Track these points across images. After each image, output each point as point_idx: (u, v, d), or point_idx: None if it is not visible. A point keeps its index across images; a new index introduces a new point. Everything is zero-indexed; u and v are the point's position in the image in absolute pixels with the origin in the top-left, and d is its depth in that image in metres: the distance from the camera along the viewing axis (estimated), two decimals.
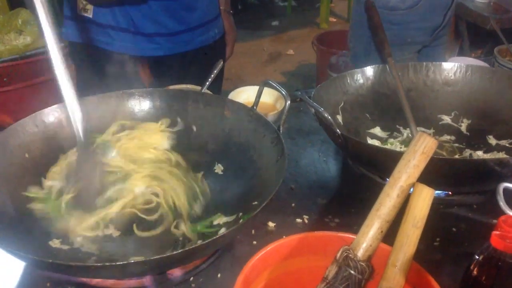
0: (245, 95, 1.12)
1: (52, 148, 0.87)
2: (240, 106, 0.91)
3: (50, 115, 0.88)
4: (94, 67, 1.33)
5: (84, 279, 0.71)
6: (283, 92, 0.84)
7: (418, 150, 0.56)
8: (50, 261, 0.59)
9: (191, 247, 0.62)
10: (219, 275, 0.76)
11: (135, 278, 0.71)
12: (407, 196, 0.57)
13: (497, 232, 0.53)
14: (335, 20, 4.78)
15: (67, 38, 1.36)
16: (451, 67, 1.12)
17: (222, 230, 0.75)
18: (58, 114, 0.89)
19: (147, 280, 0.71)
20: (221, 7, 1.41)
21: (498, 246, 0.52)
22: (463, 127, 1.08)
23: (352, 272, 0.56)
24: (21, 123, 0.84)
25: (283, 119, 0.83)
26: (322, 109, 0.85)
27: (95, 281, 0.70)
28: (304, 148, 1.07)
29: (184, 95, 0.95)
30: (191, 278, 0.74)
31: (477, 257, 0.58)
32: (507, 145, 1.00)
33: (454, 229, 0.86)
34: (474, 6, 2.16)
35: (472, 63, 1.19)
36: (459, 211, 0.90)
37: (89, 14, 1.27)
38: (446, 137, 1.07)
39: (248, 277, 0.55)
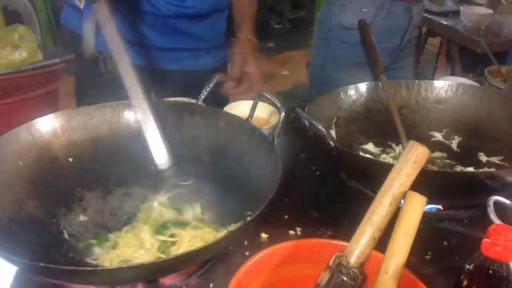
0: (239, 109, 1.13)
1: (46, 157, 0.87)
2: (235, 118, 0.92)
3: (46, 124, 0.88)
4: (81, 59, 1.32)
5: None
6: (278, 104, 0.85)
7: (410, 159, 0.57)
8: (42, 264, 0.59)
9: (184, 253, 0.62)
10: (211, 285, 0.76)
11: (127, 286, 0.71)
12: (399, 204, 0.58)
13: (488, 240, 0.54)
14: None
15: (64, 24, 1.35)
16: (443, 85, 1.14)
17: None
18: (53, 124, 0.89)
19: (140, 286, 0.71)
20: (237, 34, 1.32)
21: (488, 254, 0.53)
22: (454, 144, 1.10)
23: (345, 278, 0.56)
24: (16, 131, 0.84)
25: (277, 131, 0.84)
26: (316, 122, 0.86)
27: None
28: (298, 162, 1.08)
29: (179, 107, 0.96)
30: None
31: (467, 266, 0.59)
32: (497, 161, 1.01)
33: (445, 243, 0.86)
34: (465, 30, 2.21)
35: (463, 82, 1.21)
36: (450, 225, 0.91)
37: (81, 5, 1.27)
38: (437, 154, 1.08)
39: (241, 283, 0.55)
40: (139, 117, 0.86)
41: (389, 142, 1.11)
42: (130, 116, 0.95)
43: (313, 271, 0.60)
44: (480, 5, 2.30)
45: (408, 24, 1.53)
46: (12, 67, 1.97)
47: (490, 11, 2.22)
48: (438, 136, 1.11)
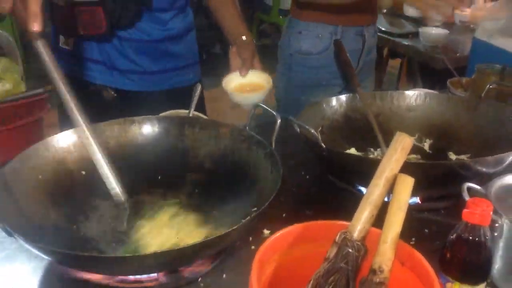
0: (237, 79, 1.38)
1: (62, 170, 0.94)
2: (233, 128, 1.02)
3: (60, 141, 0.95)
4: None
5: (105, 281, 0.78)
6: (274, 113, 0.95)
7: (398, 147, 0.68)
8: (74, 253, 0.67)
9: (207, 239, 0.70)
10: (224, 276, 0.84)
11: (151, 275, 0.78)
12: (392, 185, 0.68)
13: (468, 210, 0.65)
14: None
15: None
16: (412, 95, 1.27)
17: None
18: (67, 140, 0.96)
19: (161, 277, 0.78)
20: (242, 38, 1.46)
21: (469, 220, 0.64)
22: (426, 146, 1.23)
23: (350, 250, 0.66)
24: (34, 147, 0.91)
25: (274, 136, 0.94)
26: (308, 126, 0.96)
27: (116, 279, 0.77)
28: (290, 167, 1.18)
29: (181, 121, 1.05)
30: (199, 279, 0.82)
31: (451, 237, 0.70)
32: (465, 159, 1.14)
33: (426, 230, 0.97)
34: (425, 49, 2.40)
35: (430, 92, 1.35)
36: (429, 215, 1.02)
37: (70, 47, 1.37)
38: (412, 156, 1.20)
39: (262, 259, 0.64)
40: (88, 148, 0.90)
41: (369, 148, 1.22)
42: (135, 130, 1.04)
43: (322, 249, 0.69)
44: (437, 26, 2.50)
45: (362, 47, 1.66)
46: None
47: (446, 31, 2.42)
48: None
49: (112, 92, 1.39)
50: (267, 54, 5.09)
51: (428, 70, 2.45)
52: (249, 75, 1.40)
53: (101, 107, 1.37)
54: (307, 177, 1.15)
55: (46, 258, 0.82)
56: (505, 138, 1.10)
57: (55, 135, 0.95)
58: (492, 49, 1.79)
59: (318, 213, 1.03)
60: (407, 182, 0.67)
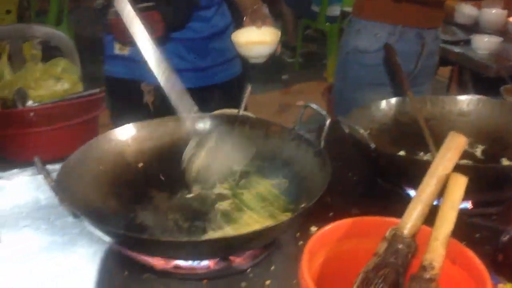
0: (247, 34, 1.37)
1: (121, 162, 0.99)
2: (282, 128, 1.04)
3: (119, 135, 1.01)
4: (130, 99, 1.48)
5: (161, 266, 0.81)
6: (323, 113, 0.97)
7: (451, 146, 0.69)
8: (136, 235, 0.71)
9: (256, 230, 0.73)
10: (272, 267, 0.86)
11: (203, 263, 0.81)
12: (444, 184, 0.68)
13: None
14: None
15: (109, 74, 1.52)
16: (464, 100, 1.26)
17: None
18: (125, 135, 1.01)
19: (213, 265, 0.81)
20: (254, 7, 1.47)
21: None
22: (478, 152, 1.21)
23: (400, 246, 0.66)
24: (96, 140, 0.97)
25: (323, 136, 0.96)
26: (357, 127, 0.98)
27: (171, 264, 0.81)
28: (337, 168, 1.18)
29: (232, 119, 1.08)
30: (249, 269, 0.85)
31: (503, 239, 0.70)
32: None
33: (477, 235, 0.96)
34: (477, 57, 2.34)
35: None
36: (480, 220, 1.00)
37: (126, 53, 1.44)
38: (464, 161, 1.18)
39: (312, 250, 0.66)
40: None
41: (418, 152, 1.22)
42: (189, 127, 1.08)
43: (370, 245, 0.71)
44: (489, 34, 2.44)
45: (421, 50, 1.65)
46: (56, 96, 2.13)
47: (500, 38, 2.36)
48: None
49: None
50: (312, 61, 5.10)
51: (479, 78, 2.39)
52: (259, 32, 1.37)
53: (155, 106, 1.44)
54: (354, 178, 1.16)
55: (106, 242, 0.88)
56: None
57: (115, 129, 1.00)
58: None
59: (365, 213, 1.04)
60: (460, 182, 0.67)
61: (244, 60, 1.52)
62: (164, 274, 0.83)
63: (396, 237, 0.67)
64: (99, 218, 0.83)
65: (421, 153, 1.21)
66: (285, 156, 1.01)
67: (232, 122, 1.08)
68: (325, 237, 0.69)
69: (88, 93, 2.16)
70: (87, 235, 0.91)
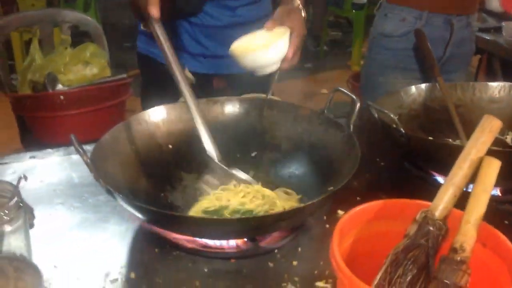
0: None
1: (152, 143, 1.01)
2: (311, 111, 1.04)
3: (150, 116, 1.02)
4: (157, 77, 1.48)
5: (190, 245, 0.83)
6: (354, 97, 0.97)
7: (486, 129, 0.68)
8: (168, 212, 0.73)
9: (285, 211, 0.74)
10: (299, 249, 0.87)
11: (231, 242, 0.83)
12: (476, 168, 0.68)
13: None
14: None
15: (139, 50, 1.52)
16: (496, 86, 1.24)
17: None
18: (156, 116, 1.03)
19: (241, 245, 0.83)
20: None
21: None
22: (509, 139, 1.19)
23: (431, 228, 0.66)
24: (129, 121, 0.99)
25: (352, 119, 0.96)
26: (387, 111, 0.97)
27: (200, 243, 0.82)
28: (365, 153, 1.17)
29: (261, 103, 1.09)
30: (276, 250, 0.86)
31: None
32: None
33: (506, 222, 0.95)
34: (509, 44, 2.29)
35: None
36: (510, 207, 1.00)
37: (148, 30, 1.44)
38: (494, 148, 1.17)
39: (343, 230, 0.66)
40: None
41: (447, 139, 1.21)
42: (217, 110, 1.09)
43: (400, 228, 0.71)
44: None
45: (449, 37, 1.62)
46: (85, 81, 2.17)
47: None
48: None
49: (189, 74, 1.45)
50: (336, 49, 5.05)
51: (509, 66, 2.34)
52: (266, 35, 1.11)
53: (171, 86, 1.44)
54: (382, 163, 1.16)
55: (137, 220, 0.90)
56: None
57: (146, 111, 1.02)
58: None
59: (392, 198, 1.04)
60: (494, 165, 0.67)
61: None
62: (193, 252, 0.84)
63: (427, 219, 0.67)
64: (132, 195, 0.85)
65: (450, 140, 1.20)
66: (313, 140, 1.01)
67: (260, 106, 1.08)
68: (355, 218, 0.69)
69: (116, 78, 2.20)
70: (119, 213, 0.93)
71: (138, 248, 0.87)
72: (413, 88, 1.22)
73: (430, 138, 1.15)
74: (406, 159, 1.13)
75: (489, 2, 2.72)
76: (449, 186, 0.68)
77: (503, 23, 2.36)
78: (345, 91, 0.99)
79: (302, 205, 0.77)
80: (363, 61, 1.83)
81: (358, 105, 0.95)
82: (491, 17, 2.67)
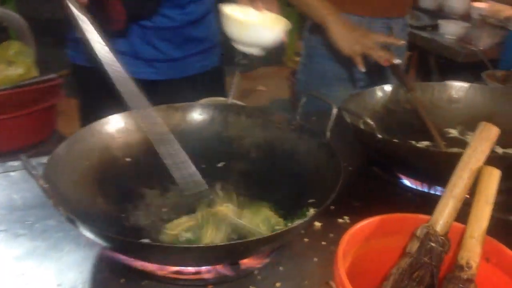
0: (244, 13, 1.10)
1: (107, 157, 0.90)
2: (281, 117, 0.98)
3: (104, 126, 0.91)
4: (97, 89, 1.36)
5: (161, 272, 0.74)
6: (329, 103, 0.91)
7: (484, 137, 0.65)
8: (134, 241, 0.63)
9: (271, 234, 0.69)
10: (280, 268, 0.81)
11: (210, 266, 0.75)
12: (475, 178, 0.65)
13: None
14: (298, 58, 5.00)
15: (72, 60, 1.39)
16: (454, 86, 1.24)
17: None
18: (110, 126, 0.92)
19: (222, 268, 0.75)
20: None
21: None
22: (469, 139, 1.19)
23: (434, 245, 0.62)
24: (80, 132, 0.88)
25: (329, 126, 0.91)
26: (364, 115, 0.93)
27: (172, 270, 0.74)
28: None
29: (225, 108, 1.01)
30: (256, 271, 0.79)
31: None
32: None
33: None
34: (446, 42, 2.37)
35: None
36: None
37: None
38: (456, 149, 1.17)
39: (345, 250, 0.61)
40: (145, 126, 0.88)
41: (409, 140, 1.19)
42: (178, 117, 1.00)
43: (397, 244, 0.66)
44: (455, 19, 2.47)
45: None
46: (9, 82, 1.96)
47: (467, 24, 2.40)
48: (454, 132, 1.21)
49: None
50: None
51: (446, 64, 2.42)
52: (260, 15, 1.11)
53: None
54: (350, 168, 1.12)
55: (96, 246, 0.79)
56: None
57: (99, 120, 0.91)
58: None
59: (366, 205, 1.01)
60: (494, 175, 0.64)
61: (227, 50, 1.37)
62: (165, 280, 0.75)
63: (429, 235, 0.63)
64: (92, 221, 0.75)
65: (413, 142, 1.19)
66: (286, 148, 0.95)
67: (225, 112, 1.00)
68: (354, 237, 0.64)
69: (45, 78, 2.01)
70: (73, 239, 0.82)
71: (99, 279, 0.76)
72: (377, 89, 1.20)
73: (413, 143, 1.13)
74: (374, 163, 1.10)
75: (423, 0, 2.80)
76: (449, 198, 0.64)
77: (439, 21, 2.44)
78: (318, 95, 0.94)
79: (285, 228, 0.71)
80: (299, 66, 1.74)
81: (334, 110, 0.90)
82: (424, 14, 2.75)
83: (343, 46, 1.36)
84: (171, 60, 1.36)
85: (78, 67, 1.38)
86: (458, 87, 1.24)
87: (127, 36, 1.28)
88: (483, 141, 0.65)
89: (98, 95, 1.37)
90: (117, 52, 1.31)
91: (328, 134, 0.90)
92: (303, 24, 1.73)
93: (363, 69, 1.34)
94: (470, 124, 1.20)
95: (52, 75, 2.02)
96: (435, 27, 2.46)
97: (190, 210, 0.89)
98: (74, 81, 1.47)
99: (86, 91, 1.42)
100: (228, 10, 1.07)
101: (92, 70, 1.34)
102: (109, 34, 1.25)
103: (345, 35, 1.35)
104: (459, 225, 0.65)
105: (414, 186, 1.03)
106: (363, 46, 1.32)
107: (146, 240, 0.80)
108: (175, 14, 1.31)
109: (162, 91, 1.36)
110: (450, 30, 2.35)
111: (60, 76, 2.02)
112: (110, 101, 1.33)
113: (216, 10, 1.39)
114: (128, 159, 0.92)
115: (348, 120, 0.99)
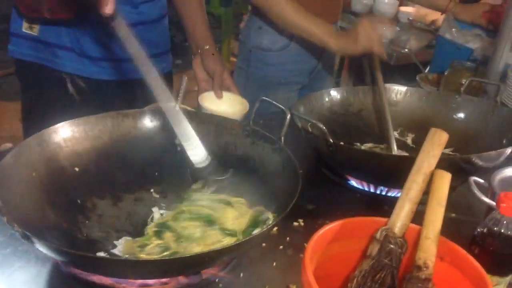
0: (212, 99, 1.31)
1: (55, 167, 0.86)
2: (235, 122, 0.98)
3: (50, 135, 0.87)
4: (41, 86, 1.30)
5: (120, 285, 0.72)
6: (283, 108, 0.93)
7: (435, 142, 0.69)
8: (90, 255, 0.62)
9: (226, 246, 0.69)
10: (241, 275, 0.81)
11: (172, 277, 0.74)
12: (429, 181, 0.69)
13: (504, 204, 0.67)
14: (235, 59, 5.01)
15: (13, 56, 1.31)
16: (393, 90, 1.30)
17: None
18: (57, 135, 0.88)
19: (183, 279, 0.74)
20: (205, 47, 1.39)
21: (507, 214, 0.66)
22: (409, 140, 1.26)
23: (393, 247, 0.65)
24: (25, 142, 0.82)
25: (283, 131, 0.92)
26: (315, 121, 0.95)
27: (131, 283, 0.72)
28: None
29: None
30: (217, 280, 0.79)
31: (479, 230, 0.72)
32: (450, 153, 1.18)
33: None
34: None
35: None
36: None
37: (35, 33, 1.25)
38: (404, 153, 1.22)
39: (311, 259, 0.62)
40: (172, 120, 0.92)
41: (354, 142, 1.24)
42: (129, 124, 0.97)
43: (356, 247, 0.69)
44: (384, 23, 2.58)
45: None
46: None
47: (396, 27, 2.51)
48: (394, 134, 1.27)
49: (82, 83, 1.29)
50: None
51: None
52: (224, 97, 1.33)
53: (69, 97, 1.27)
54: (301, 171, 1.14)
55: (48, 261, 0.75)
56: (484, 132, 1.16)
57: (46, 129, 0.86)
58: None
59: (319, 207, 1.03)
60: (445, 177, 0.68)
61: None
62: None
63: (388, 237, 0.66)
64: (43, 235, 0.71)
65: (358, 144, 1.23)
66: (240, 154, 0.95)
67: None
68: (318, 242, 0.65)
69: None
70: (23, 254, 0.78)
71: None
72: (324, 93, 1.23)
73: (363, 147, 1.17)
74: (323, 165, 1.13)
75: (354, 4, 2.90)
76: (405, 201, 0.68)
77: None
78: (271, 101, 0.95)
79: (245, 238, 0.71)
80: (236, 70, 1.73)
81: (288, 116, 0.92)
82: (356, 18, 2.85)
83: (357, 52, 1.42)
84: (119, 60, 1.31)
85: (21, 62, 1.29)
86: (396, 91, 1.30)
87: (73, 30, 1.22)
88: (435, 145, 0.69)
89: (43, 91, 1.31)
90: (61, 47, 1.26)
91: (282, 139, 0.91)
92: (238, 24, 1.72)
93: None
94: (409, 125, 1.28)
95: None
96: None
97: (144, 220, 0.88)
98: (17, 79, 1.36)
99: (29, 86, 1.33)
100: (205, 102, 1.29)
101: (37, 64, 1.28)
102: (55, 26, 1.21)
103: (352, 49, 1.42)
104: (414, 226, 0.69)
105: (361, 187, 1.07)
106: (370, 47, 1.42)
107: (101, 254, 0.77)
108: (126, 11, 1.26)
109: (110, 92, 1.32)
110: (382, 33, 2.44)
111: None
112: (56, 96, 1.27)
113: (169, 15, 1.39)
114: (76, 169, 0.88)
115: (299, 124, 1.00)
